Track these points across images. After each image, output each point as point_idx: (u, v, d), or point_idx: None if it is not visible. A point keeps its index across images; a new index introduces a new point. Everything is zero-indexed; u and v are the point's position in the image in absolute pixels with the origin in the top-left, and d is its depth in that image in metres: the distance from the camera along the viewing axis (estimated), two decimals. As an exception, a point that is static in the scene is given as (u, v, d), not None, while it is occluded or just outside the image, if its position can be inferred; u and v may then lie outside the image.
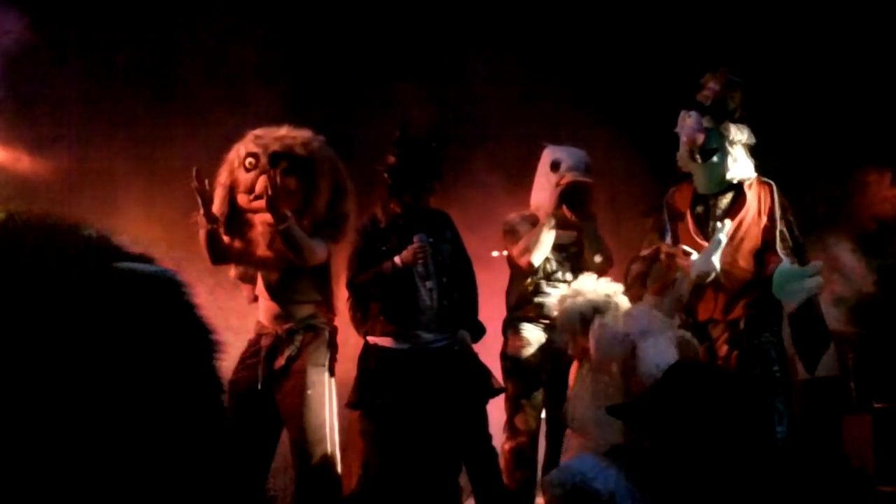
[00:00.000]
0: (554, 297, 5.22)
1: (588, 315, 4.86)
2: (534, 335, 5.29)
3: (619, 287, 5.07)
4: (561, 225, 5.28)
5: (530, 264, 5.21)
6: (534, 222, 5.33)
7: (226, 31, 6.62)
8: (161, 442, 1.17)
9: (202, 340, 1.36)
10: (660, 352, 4.24)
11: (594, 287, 4.99)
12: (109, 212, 5.95)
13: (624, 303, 5.00)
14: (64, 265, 1.22)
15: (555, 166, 5.30)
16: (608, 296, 4.96)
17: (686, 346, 4.38)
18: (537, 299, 5.32)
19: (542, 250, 5.21)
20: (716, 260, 4.80)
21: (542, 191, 5.33)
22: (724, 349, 4.88)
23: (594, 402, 4.41)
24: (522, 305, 5.33)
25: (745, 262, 4.92)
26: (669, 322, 4.58)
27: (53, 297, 1.19)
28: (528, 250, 5.21)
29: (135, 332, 1.24)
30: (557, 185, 5.22)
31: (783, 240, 4.88)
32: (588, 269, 5.26)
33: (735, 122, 4.95)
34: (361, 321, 4.86)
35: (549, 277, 5.32)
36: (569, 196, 5.24)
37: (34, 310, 1.17)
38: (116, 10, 6.41)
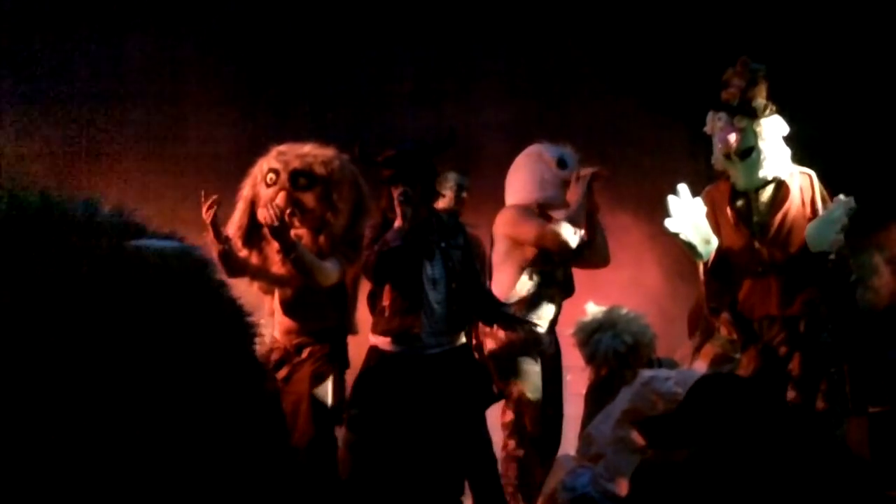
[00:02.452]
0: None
1: (621, 350, 4.85)
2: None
3: (645, 317, 5.05)
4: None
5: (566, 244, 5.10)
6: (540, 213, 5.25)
7: (235, 27, 6.67)
8: (197, 433, 1.03)
9: (235, 323, 1.20)
10: None
11: (627, 320, 4.96)
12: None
13: (653, 333, 4.97)
14: (69, 253, 1.12)
15: (562, 163, 5.29)
16: (642, 328, 4.94)
17: None
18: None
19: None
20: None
21: (551, 185, 5.27)
22: (783, 350, 4.80)
23: (616, 443, 4.41)
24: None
25: (796, 252, 4.85)
26: None
27: (57, 289, 1.09)
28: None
29: (158, 317, 1.12)
30: (579, 177, 5.18)
31: None
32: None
33: (767, 116, 4.85)
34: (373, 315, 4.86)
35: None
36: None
37: (34, 307, 1.06)
38: (125, 6, 6.47)
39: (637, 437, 4.28)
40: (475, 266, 4.91)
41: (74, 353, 1.02)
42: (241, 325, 1.20)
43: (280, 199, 4.62)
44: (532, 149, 5.38)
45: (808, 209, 4.90)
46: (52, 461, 0.99)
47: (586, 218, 5.17)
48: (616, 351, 4.90)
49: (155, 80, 6.54)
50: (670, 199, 4.81)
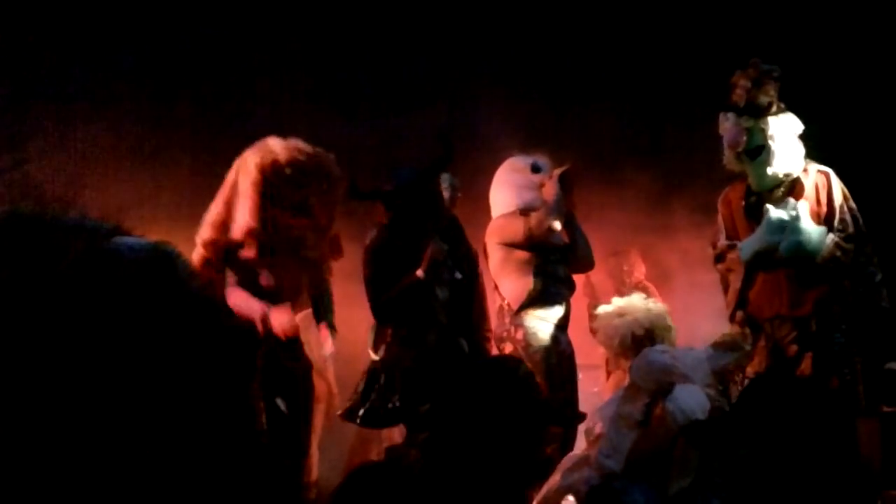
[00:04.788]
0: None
1: (639, 333, 4.84)
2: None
3: (665, 307, 5.05)
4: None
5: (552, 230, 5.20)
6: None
7: (232, 27, 6.65)
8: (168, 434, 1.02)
9: (210, 315, 1.15)
10: (693, 402, 4.09)
11: (646, 306, 4.97)
12: (116, 209, 5.97)
13: (671, 324, 4.98)
14: (47, 251, 1.08)
15: (535, 168, 5.40)
16: (661, 315, 4.93)
17: (717, 413, 4.29)
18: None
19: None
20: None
21: (528, 190, 5.36)
22: (792, 349, 4.77)
23: (616, 420, 4.37)
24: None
25: None
26: (713, 382, 4.49)
27: (34, 285, 1.06)
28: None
29: (135, 310, 1.08)
30: (552, 176, 5.30)
31: (843, 227, 4.79)
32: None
33: (774, 114, 4.85)
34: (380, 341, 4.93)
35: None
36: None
37: (11, 304, 1.03)
38: (122, 6, 6.44)
39: (635, 413, 4.26)
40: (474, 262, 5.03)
41: (48, 350, 0.99)
42: (216, 319, 1.14)
43: None
44: (506, 162, 5.52)
45: (824, 207, 4.85)
46: (19, 451, 0.98)
47: (565, 220, 5.27)
48: (634, 335, 4.88)
49: (152, 80, 6.50)
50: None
